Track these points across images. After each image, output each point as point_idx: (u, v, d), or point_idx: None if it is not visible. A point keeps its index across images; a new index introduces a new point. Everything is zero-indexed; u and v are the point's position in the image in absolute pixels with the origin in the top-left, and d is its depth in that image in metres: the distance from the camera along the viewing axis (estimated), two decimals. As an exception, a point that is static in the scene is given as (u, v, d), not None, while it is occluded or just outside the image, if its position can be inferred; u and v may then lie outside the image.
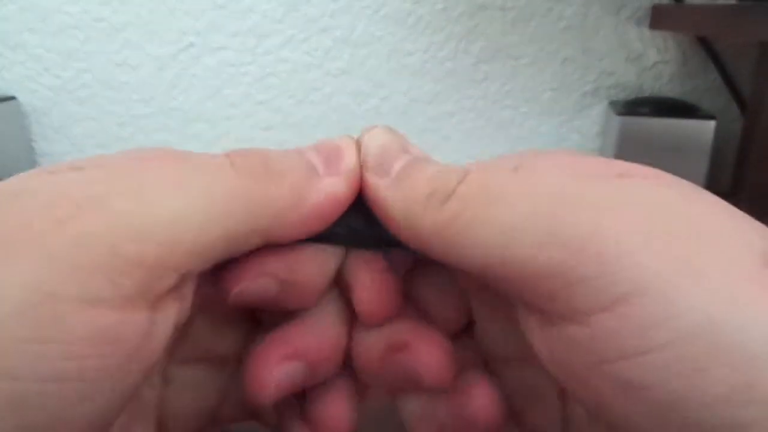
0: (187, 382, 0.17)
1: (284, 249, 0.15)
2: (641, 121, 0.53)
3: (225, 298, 0.15)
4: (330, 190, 0.14)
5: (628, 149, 0.54)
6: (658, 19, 0.55)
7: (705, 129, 0.53)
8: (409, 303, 0.17)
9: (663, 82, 0.60)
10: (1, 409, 0.10)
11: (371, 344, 0.16)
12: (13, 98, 0.62)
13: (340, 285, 0.16)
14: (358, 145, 0.16)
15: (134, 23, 0.60)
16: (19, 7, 0.60)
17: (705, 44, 0.57)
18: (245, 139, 0.64)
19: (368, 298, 0.16)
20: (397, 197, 0.14)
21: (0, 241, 0.11)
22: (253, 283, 0.15)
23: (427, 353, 0.15)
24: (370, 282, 0.16)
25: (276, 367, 0.15)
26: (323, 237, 0.15)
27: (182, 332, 0.16)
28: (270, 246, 0.15)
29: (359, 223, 0.15)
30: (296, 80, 0.62)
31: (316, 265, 0.15)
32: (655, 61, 0.59)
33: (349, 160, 0.15)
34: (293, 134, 0.63)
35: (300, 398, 0.17)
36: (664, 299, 0.10)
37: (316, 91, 0.62)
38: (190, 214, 0.12)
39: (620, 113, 0.54)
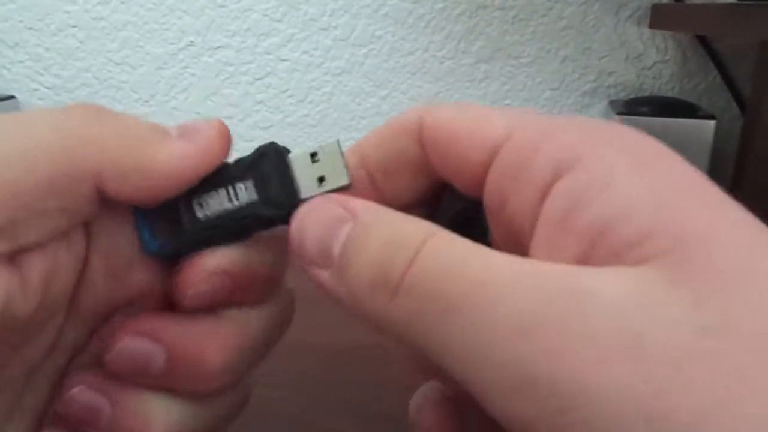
0: None
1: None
2: (641, 120, 0.53)
3: None
4: (179, 150, 0.14)
5: (628, 149, 0.54)
6: (657, 18, 0.55)
7: (705, 129, 0.52)
8: None
9: (663, 82, 0.60)
10: None
11: None
12: (12, 97, 0.62)
13: None
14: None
15: (134, 22, 0.60)
16: (18, 6, 0.60)
17: (705, 44, 0.57)
18: (245, 138, 0.64)
19: None
20: (342, 291, 0.13)
21: None
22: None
23: None
24: None
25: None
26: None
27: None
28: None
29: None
30: (296, 79, 0.62)
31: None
32: (654, 60, 0.59)
33: (205, 130, 0.15)
34: (293, 133, 0.63)
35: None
36: None
37: (316, 90, 0.62)
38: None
39: (620, 113, 0.54)
